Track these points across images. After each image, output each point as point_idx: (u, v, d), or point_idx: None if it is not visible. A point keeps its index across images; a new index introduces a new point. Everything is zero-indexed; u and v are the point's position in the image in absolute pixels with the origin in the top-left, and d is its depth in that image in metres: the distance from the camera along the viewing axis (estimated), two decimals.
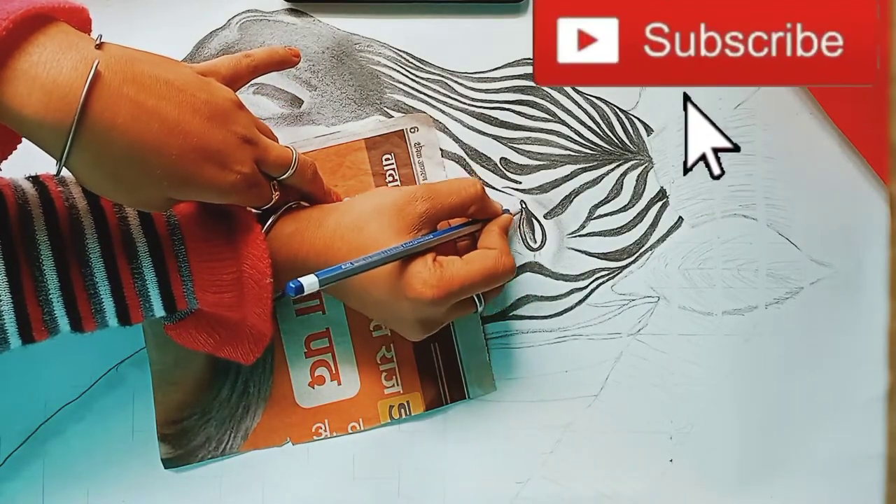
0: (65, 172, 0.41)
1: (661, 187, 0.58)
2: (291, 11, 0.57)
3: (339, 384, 0.57)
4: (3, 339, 0.45)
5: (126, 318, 0.48)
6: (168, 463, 0.56)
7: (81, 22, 0.42)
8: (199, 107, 0.43)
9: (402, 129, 0.57)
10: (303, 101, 0.57)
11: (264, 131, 0.49)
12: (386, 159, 0.57)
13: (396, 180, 0.57)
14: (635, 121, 0.57)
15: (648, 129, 0.57)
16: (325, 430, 0.57)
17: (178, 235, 0.48)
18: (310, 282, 0.44)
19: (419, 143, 0.57)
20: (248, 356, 0.52)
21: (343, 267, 0.46)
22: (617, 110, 0.57)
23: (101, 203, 0.48)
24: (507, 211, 0.56)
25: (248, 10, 0.57)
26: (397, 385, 0.57)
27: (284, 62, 0.53)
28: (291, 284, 0.43)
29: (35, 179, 0.48)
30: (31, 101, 0.37)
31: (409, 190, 0.51)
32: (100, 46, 0.40)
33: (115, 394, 0.56)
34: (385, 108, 0.57)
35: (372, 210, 0.50)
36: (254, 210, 0.51)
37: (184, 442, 0.56)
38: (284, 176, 0.49)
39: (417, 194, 0.51)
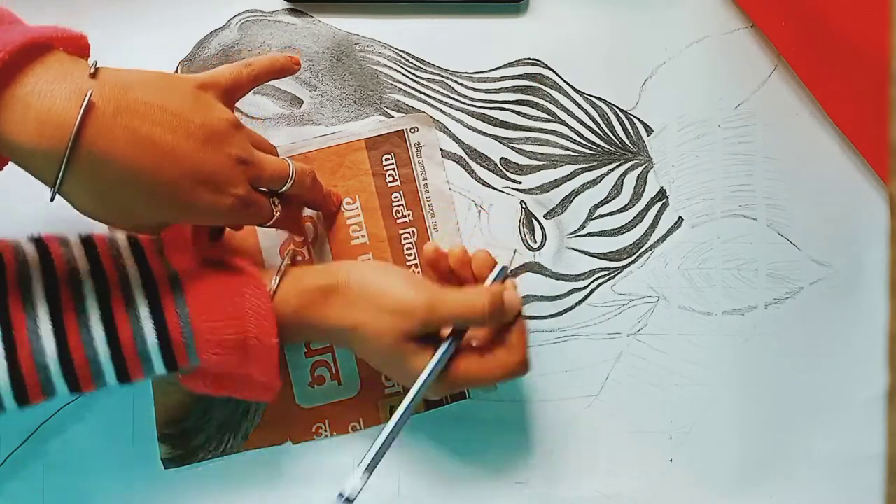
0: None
1: (661, 187, 0.58)
2: (291, 11, 0.57)
3: (340, 384, 0.57)
4: None
5: (126, 378, 0.47)
6: (168, 463, 0.56)
7: (79, 48, 0.43)
8: (193, 131, 0.43)
9: (402, 129, 0.57)
10: (303, 101, 0.57)
11: (261, 145, 0.49)
12: (386, 159, 0.57)
13: (396, 180, 0.57)
14: (635, 121, 0.57)
15: (648, 129, 0.57)
16: (326, 430, 0.57)
17: (181, 295, 0.47)
18: (353, 486, 0.47)
19: (419, 143, 0.57)
20: (263, 398, 0.51)
21: (375, 443, 0.47)
22: (617, 110, 0.57)
23: (103, 262, 0.47)
24: (504, 269, 0.53)
25: (248, 10, 0.57)
26: (397, 385, 0.57)
27: (285, 70, 0.53)
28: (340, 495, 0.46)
29: (38, 241, 0.48)
30: (25, 130, 0.38)
31: (409, 300, 0.49)
32: (95, 74, 0.40)
33: (115, 394, 0.56)
34: (385, 108, 0.57)
35: (375, 311, 0.49)
36: (259, 227, 0.51)
37: (184, 442, 0.56)
38: (284, 188, 0.49)
39: (416, 311, 0.49)
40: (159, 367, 0.47)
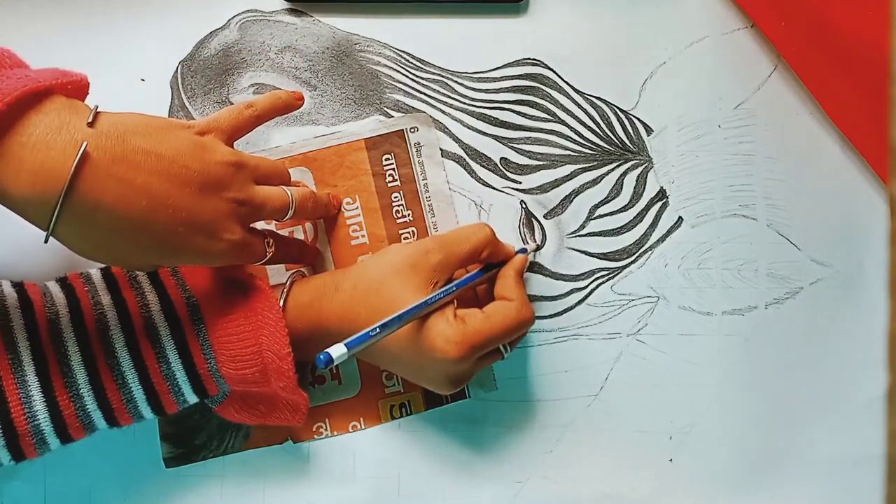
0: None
1: (661, 187, 0.57)
2: (291, 11, 0.57)
3: (340, 383, 0.57)
4: (41, 439, 0.47)
5: (159, 406, 0.49)
6: (170, 462, 0.56)
7: (79, 89, 0.43)
8: (190, 178, 0.43)
9: (402, 129, 0.57)
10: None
11: (269, 174, 0.49)
12: (386, 159, 0.57)
13: (396, 180, 0.57)
14: (635, 121, 0.57)
15: (648, 129, 0.57)
16: (326, 430, 0.57)
17: (198, 315, 0.49)
18: (339, 352, 0.42)
19: (419, 143, 0.57)
20: (293, 420, 0.52)
21: (370, 333, 0.44)
22: (617, 110, 0.57)
23: (124, 295, 0.49)
24: (523, 250, 0.56)
25: (248, 10, 0.57)
26: (398, 384, 0.57)
27: (289, 106, 0.52)
28: (321, 357, 0.42)
29: (63, 282, 0.50)
30: (18, 182, 0.38)
31: (420, 244, 0.51)
32: (93, 122, 0.40)
33: None
34: (385, 108, 0.57)
35: (386, 269, 0.50)
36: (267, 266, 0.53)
37: (186, 441, 0.56)
38: (287, 217, 0.49)
39: (429, 247, 0.50)
40: (187, 389, 0.49)
